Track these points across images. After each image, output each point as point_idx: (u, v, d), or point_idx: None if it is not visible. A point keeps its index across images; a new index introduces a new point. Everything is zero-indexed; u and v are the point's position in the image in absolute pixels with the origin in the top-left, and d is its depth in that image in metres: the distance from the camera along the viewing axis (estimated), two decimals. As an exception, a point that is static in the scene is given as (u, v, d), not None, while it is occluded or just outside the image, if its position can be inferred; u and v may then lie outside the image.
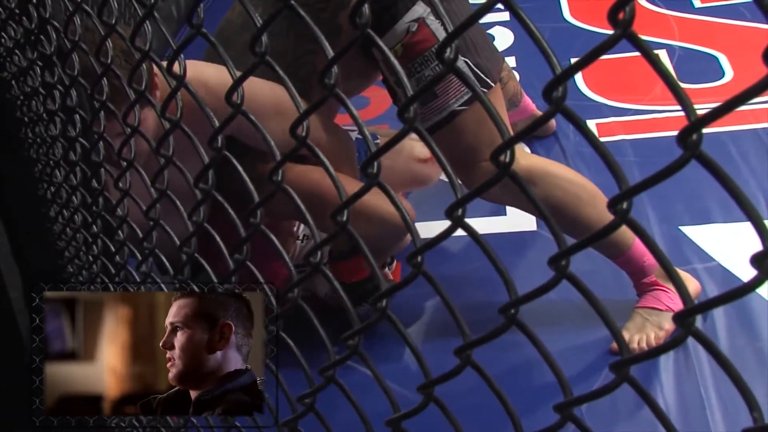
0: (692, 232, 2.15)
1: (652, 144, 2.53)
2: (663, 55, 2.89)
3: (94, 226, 1.12)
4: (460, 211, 0.54)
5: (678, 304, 1.91)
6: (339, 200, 0.61)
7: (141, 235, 0.95)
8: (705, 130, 0.39)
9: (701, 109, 0.38)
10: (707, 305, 0.44)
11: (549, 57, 0.49)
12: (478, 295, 2.06)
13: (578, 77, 2.88)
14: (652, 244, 0.48)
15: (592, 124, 2.64)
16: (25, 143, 1.31)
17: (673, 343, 0.46)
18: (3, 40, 1.21)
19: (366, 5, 0.52)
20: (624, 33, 0.44)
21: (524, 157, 1.89)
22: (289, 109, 0.65)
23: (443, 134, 1.80)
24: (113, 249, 1.08)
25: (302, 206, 0.68)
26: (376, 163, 0.57)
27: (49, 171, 1.24)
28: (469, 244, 2.11)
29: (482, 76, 1.80)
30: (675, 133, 0.42)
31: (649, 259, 1.91)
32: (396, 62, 0.60)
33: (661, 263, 0.47)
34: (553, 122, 2.64)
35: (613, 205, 0.48)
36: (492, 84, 1.82)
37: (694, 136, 0.44)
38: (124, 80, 0.86)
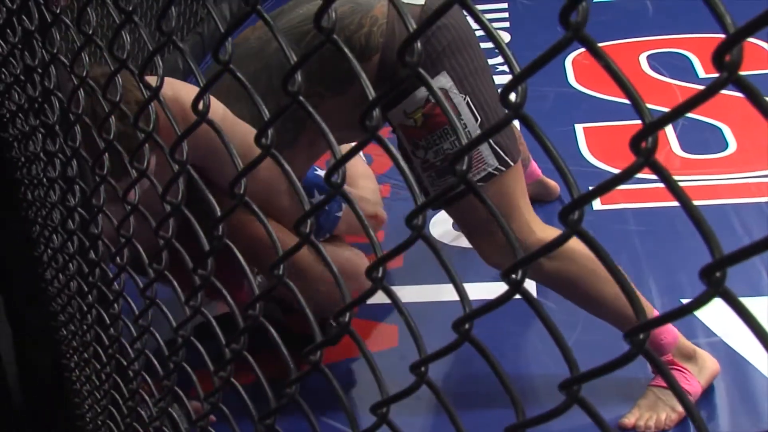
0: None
1: (653, 213, 2.51)
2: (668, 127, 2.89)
3: (89, 296, 1.11)
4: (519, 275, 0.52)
5: (695, 386, 1.86)
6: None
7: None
8: (708, 201, 0.38)
9: (705, 181, 0.37)
10: (656, 322, 0.43)
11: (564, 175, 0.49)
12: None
13: (581, 142, 2.89)
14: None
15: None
16: (24, 203, 1.30)
17: (623, 359, 0.44)
18: (6, 102, 1.22)
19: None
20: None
21: (542, 230, 1.85)
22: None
23: (459, 206, 1.81)
24: (108, 321, 1.07)
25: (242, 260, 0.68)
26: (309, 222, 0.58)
27: (47, 234, 1.24)
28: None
29: (502, 154, 1.78)
30: (676, 204, 0.41)
31: (666, 337, 1.84)
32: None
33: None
34: (557, 187, 2.65)
35: (563, 217, 0.46)
36: (512, 163, 1.80)
37: (649, 140, 0.43)
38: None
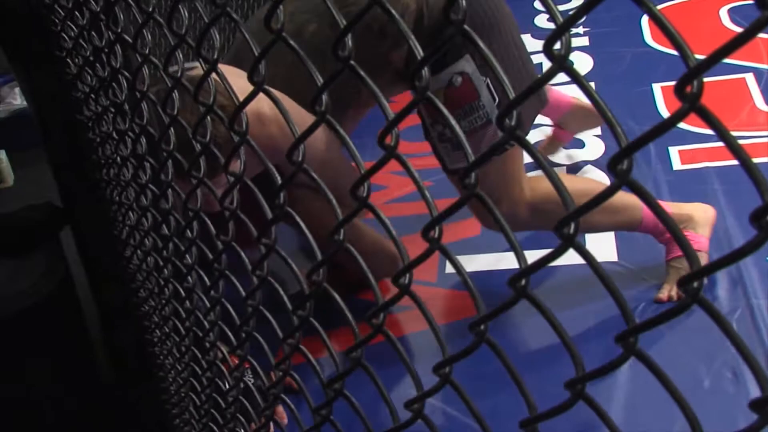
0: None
1: (738, 171, 2.42)
2: (750, 78, 2.80)
3: (165, 270, 1.14)
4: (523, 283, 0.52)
5: (702, 243, 2.04)
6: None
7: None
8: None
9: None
10: (711, 268, 0.42)
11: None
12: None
13: (659, 101, 2.82)
14: (654, 205, 0.45)
15: (674, 150, 2.57)
16: (102, 184, 1.34)
17: (678, 309, 0.43)
18: (81, 85, 1.25)
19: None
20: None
21: (530, 188, 1.98)
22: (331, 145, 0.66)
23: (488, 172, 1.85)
24: (183, 294, 1.09)
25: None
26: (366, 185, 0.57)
27: (123, 212, 1.27)
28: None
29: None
30: (763, 159, 0.40)
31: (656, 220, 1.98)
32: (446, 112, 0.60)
33: (669, 228, 0.45)
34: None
35: (612, 166, 0.45)
36: (522, 135, 1.81)
37: (694, 85, 0.42)
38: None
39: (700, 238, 2.05)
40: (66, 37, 1.19)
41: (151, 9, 0.85)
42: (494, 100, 1.85)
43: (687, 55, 0.42)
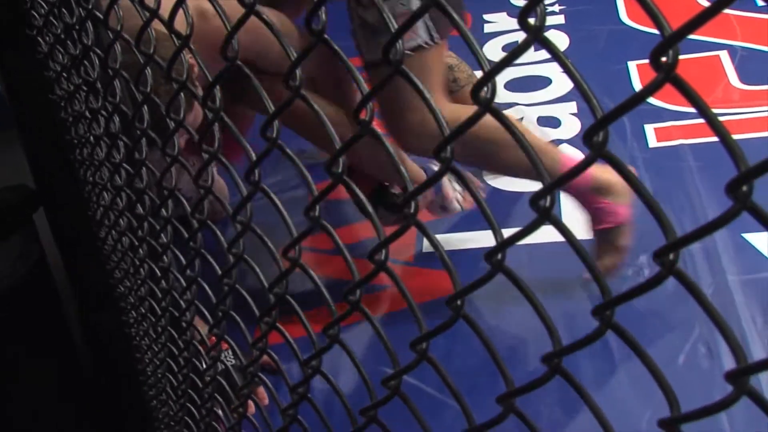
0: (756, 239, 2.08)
1: (712, 148, 2.44)
2: (724, 56, 2.81)
3: (140, 250, 1.13)
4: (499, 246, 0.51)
5: (624, 213, 1.99)
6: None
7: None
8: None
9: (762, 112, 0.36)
10: (685, 240, 0.42)
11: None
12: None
13: (635, 80, 2.83)
14: (632, 180, 0.45)
15: (650, 128, 2.57)
16: (76, 164, 1.33)
17: (654, 281, 0.43)
18: (52, 64, 1.24)
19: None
20: None
21: (451, 110, 1.88)
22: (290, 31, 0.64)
23: (382, 71, 1.76)
24: (159, 273, 1.09)
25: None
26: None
27: (98, 192, 1.26)
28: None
29: (433, 30, 1.81)
30: (738, 136, 0.40)
31: (581, 182, 1.94)
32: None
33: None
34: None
35: (587, 138, 0.45)
36: (439, 40, 1.83)
37: (670, 54, 0.41)
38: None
39: (621, 208, 2.00)
40: (36, 15, 1.18)
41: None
42: None
43: (662, 25, 0.42)
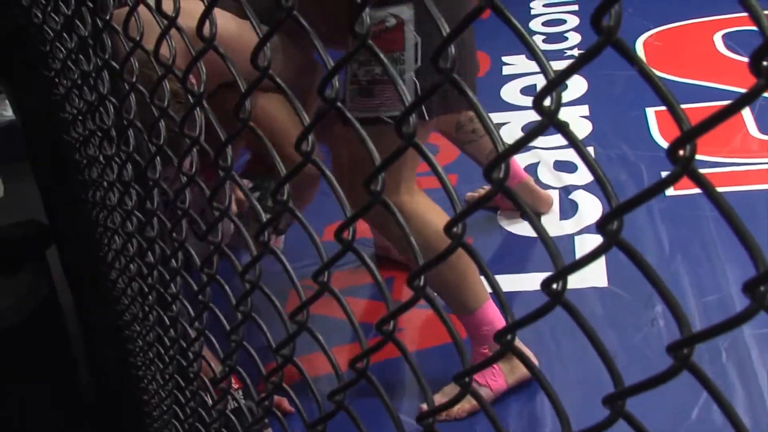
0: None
1: (730, 198, 2.41)
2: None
3: (149, 297, 1.12)
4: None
5: (499, 383, 1.94)
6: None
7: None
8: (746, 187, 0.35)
9: None
10: (703, 335, 0.41)
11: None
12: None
13: (653, 126, 2.82)
14: (645, 267, 0.44)
15: (666, 176, 2.55)
16: (88, 205, 1.32)
17: (670, 373, 0.42)
18: (68, 107, 1.23)
19: None
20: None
21: (412, 196, 1.84)
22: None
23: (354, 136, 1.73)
24: (168, 323, 1.08)
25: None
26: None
27: (109, 236, 1.25)
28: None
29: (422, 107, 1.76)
30: (756, 187, 0.39)
31: (488, 330, 1.88)
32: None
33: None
34: (549, 198, 2.54)
35: (602, 226, 0.44)
36: (426, 117, 1.75)
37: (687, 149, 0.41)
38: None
39: (500, 378, 1.95)
40: (55, 59, 1.18)
41: (138, 38, 0.83)
42: (416, 62, 1.69)
43: (681, 119, 0.41)
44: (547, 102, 0.46)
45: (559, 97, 0.46)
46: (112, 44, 0.94)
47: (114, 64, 0.91)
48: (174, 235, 0.91)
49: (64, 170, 1.35)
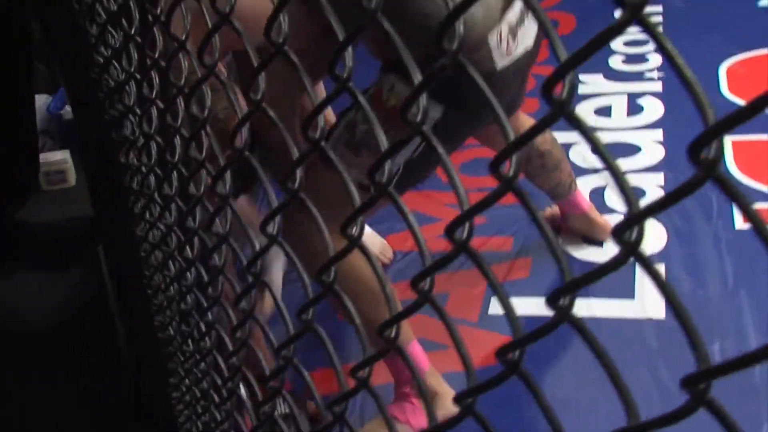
0: None
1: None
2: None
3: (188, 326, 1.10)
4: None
5: (421, 422, 1.91)
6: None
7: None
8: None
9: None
10: (722, 370, 0.36)
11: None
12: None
13: (728, 158, 2.71)
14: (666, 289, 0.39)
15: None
16: (132, 216, 1.30)
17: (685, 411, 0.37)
18: (106, 80, 1.22)
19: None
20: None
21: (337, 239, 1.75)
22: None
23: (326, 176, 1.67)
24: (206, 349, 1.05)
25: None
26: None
27: (149, 250, 1.23)
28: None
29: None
30: None
31: (406, 373, 1.86)
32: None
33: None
34: (607, 226, 2.45)
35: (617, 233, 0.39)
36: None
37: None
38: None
39: (420, 414, 1.93)
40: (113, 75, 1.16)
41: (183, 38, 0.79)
42: (413, 153, 1.64)
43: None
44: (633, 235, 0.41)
45: (573, 86, 0.40)
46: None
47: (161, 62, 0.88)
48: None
49: (110, 171, 1.33)
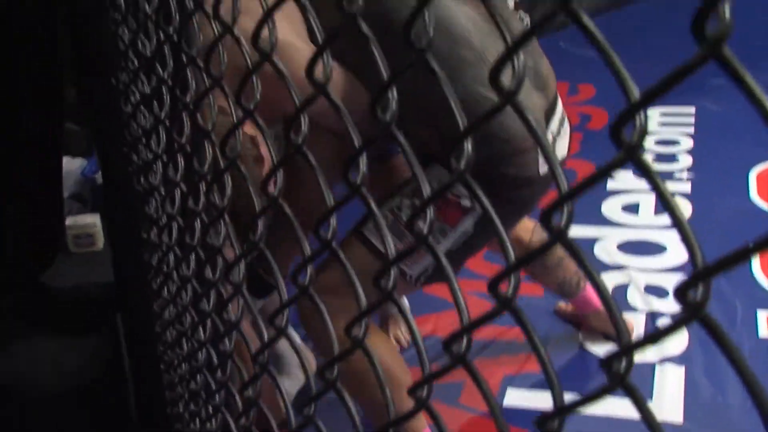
0: None
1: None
2: None
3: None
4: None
5: None
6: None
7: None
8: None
9: None
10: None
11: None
12: None
13: (755, 265, 2.68)
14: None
15: (763, 315, 2.42)
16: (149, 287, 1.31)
17: None
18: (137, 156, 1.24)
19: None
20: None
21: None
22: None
23: (361, 253, 1.66)
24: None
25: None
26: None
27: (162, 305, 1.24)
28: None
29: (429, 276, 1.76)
30: None
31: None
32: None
33: None
34: (631, 324, 2.45)
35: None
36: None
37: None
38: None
39: None
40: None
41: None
42: (452, 246, 1.70)
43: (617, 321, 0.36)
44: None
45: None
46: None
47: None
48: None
49: (134, 239, 1.35)
